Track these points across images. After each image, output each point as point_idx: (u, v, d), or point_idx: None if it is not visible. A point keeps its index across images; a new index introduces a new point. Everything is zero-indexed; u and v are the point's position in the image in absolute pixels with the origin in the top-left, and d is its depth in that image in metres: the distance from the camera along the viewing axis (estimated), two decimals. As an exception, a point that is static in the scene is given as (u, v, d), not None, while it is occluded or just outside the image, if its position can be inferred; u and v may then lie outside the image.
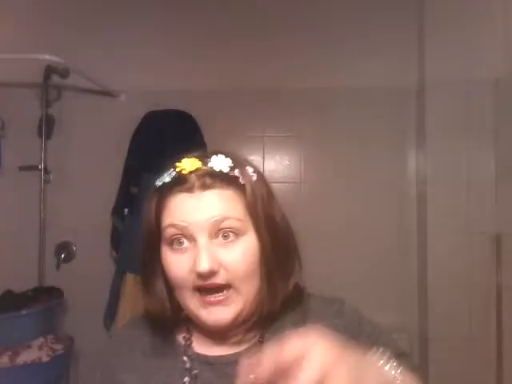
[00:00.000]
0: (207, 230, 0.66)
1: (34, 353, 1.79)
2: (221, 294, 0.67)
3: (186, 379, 0.70)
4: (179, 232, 0.67)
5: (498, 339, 1.90)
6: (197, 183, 0.68)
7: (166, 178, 0.71)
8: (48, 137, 2.22)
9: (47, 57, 1.88)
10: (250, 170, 0.72)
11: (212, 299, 0.66)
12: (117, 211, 2.10)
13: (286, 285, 0.72)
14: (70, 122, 2.24)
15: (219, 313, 0.67)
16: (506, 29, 1.90)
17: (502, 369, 1.86)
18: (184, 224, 0.67)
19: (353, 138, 2.18)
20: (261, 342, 0.73)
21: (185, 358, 0.72)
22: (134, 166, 2.10)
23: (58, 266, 2.20)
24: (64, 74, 2.09)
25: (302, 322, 0.73)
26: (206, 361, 0.72)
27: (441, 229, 1.98)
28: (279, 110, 2.20)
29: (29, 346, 1.79)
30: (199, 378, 0.70)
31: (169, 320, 0.73)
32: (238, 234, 0.68)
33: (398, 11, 2.17)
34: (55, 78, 2.16)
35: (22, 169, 2.19)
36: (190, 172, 0.69)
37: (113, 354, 0.76)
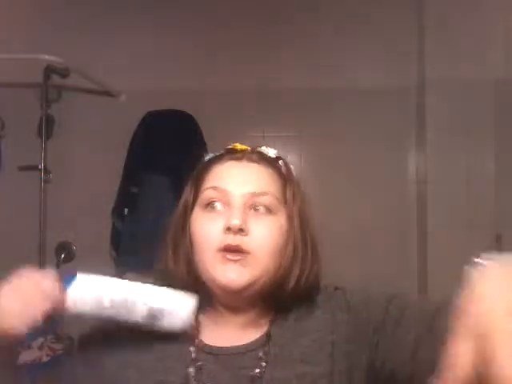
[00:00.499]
0: (244, 199, 0.70)
1: (34, 353, 1.79)
2: (241, 256, 0.69)
3: (191, 369, 0.70)
4: (218, 195, 0.71)
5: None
6: (245, 156, 0.75)
7: (217, 153, 0.77)
8: (48, 137, 2.22)
9: (47, 57, 1.88)
10: (292, 167, 0.79)
11: (231, 257, 0.68)
12: (117, 211, 2.10)
13: (302, 275, 0.74)
14: (70, 122, 2.24)
15: (235, 272, 0.68)
16: (505, 29, 1.90)
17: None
18: (225, 188, 0.71)
19: (353, 138, 2.18)
20: (267, 335, 0.73)
21: (191, 348, 0.72)
22: (134, 165, 2.10)
23: (57, 266, 2.20)
24: (64, 73, 2.08)
25: (307, 316, 0.74)
26: (212, 351, 0.72)
27: (441, 229, 1.98)
28: (279, 110, 2.20)
29: (29, 346, 1.79)
30: (204, 369, 0.70)
31: (191, 285, 0.74)
32: (270, 210, 0.71)
33: (398, 11, 2.17)
34: (55, 78, 2.15)
35: (21, 169, 2.18)
36: (238, 150, 0.76)
37: (116, 330, 0.75)
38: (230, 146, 0.77)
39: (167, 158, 2.00)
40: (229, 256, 0.68)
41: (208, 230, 0.70)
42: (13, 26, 2.23)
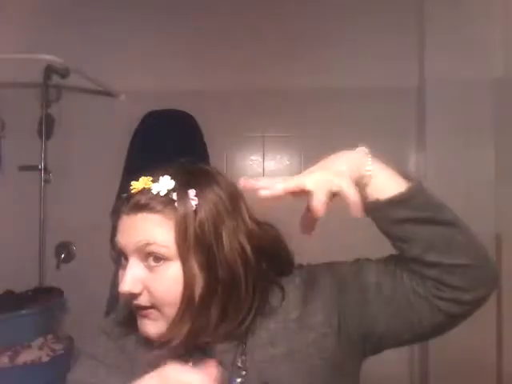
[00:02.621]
0: (136, 252, 0.69)
1: (34, 353, 1.79)
2: (148, 310, 0.69)
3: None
4: (120, 251, 0.71)
5: (498, 339, 1.90)
6: (134, 204, 0.70)
7: (122, 197, 0.74)
8: (48, 137, 2.22)
9: (47, 57, 1.88)
10: (191, 193, 0.69)
11: (142, 312, 0.70)
12: (117, 211, 2.10)
13: (233, 309, 0.71)
14: (70, 122, 2.24)
15: (149, 326, 0.70)
16: (506, 29, 1.90)
17: (502, 369, 1.86)
18: (119, 245, 0.71)
19: (353, 138, 2.14)
20: (246, 331, 0.73)
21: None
22: (134, 166, 2.10)
23: (57, 266, 2.20)
24: (64, 73, 2.08)
25: (279, 300, 0.75)
26: (203, 349, 0.72)
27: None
28: (279, 110, 2.20)
29: (29, 346, 1.79)
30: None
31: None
32: (165, 259, 0.68)
33: (398, 11, 2.17)
34: (55, 78, 2.15)
35: (21, 169, 2.19)
36: (136, 192, 0.71)
37: (118, 325, 0.78)
38: (131, 188, 0.72)
39: (167, 158, 1.99)
40: (140, 312, 0.70)
41: (120, 286, 0.71)
42: (13, 26, 2.23)
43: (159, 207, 0.68)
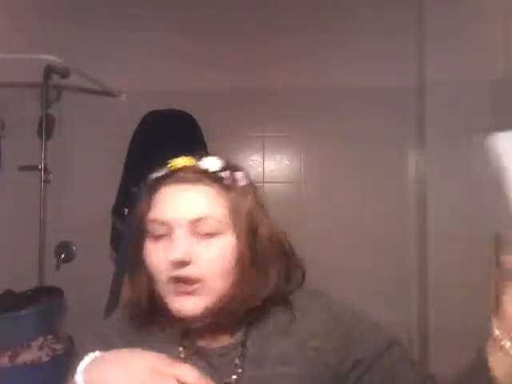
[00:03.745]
0: (185, 225, 0.69)
1: (34, 353, 1.79)
2: (192, 285, 0.68)
3: None
4: (160, 227, 0.70)
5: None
6: (182, 178, 0.71)
7: (158, 173, 0.74)
8: (48, 137, 2.22)
9: (47, 57, 1.88)
10: (239, 174, 0.74)
11: (183, 289, 0.68)
12: (117, 211, 2.10)
13: (266, 286, 0.73)
14: (70, 122, 2.24)
15: (189, 303, 0.68)
16: (505, 29, 1.90)
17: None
18: (164, 218, 0.69)
19: (353, 138, 2.17)
20: (246, 336, 0.74)
21: (180, 349, 0.74)
22: (134, 165, 2.10)
23: (57, 266, 2.20)
24: (64, 73, 2.08)
25: (286, 318, 0.74)
26: (200, 352, 0.74)
27: (441, 229, 1.98)
28: (279, 110, 2.20)
29: (29, 346, 1.79)
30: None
31: (145, 311, 0.75)
32: (215, 232, 0.69)
33: (398, 11, 2.17)
34: (55, 78, 2.15)
35: (21, 169, 2.19)
36: (179, 168, 0.72)
37: (112, 329, 0.79)
38: (168, 166, 0.74)
39: (167, 158, 1.99)
40: (181, 288, 0.68)
41: (156, 262, 0.70)
42: (13, 26, 2.23)
43: (210, 183, 0.71)
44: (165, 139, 2.05)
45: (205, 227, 0.69)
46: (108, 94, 2.21)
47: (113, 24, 2.24)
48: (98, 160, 2.22)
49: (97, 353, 0.66)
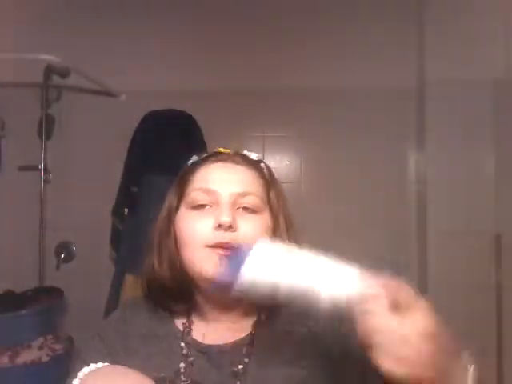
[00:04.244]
0: (231, 198, 0.72)
1: (34, 353, 1.79)
2: (232, 251, 0.69)
3: (182, 365, 0.72)
4: (206, 196, 0.73)
5: (498, 339, 1.90)
6: (229, 158, 0.78)
7: (202, 156, 0.80)
8: (48, 137, 2.22)
9: (47, 57, 1.88)
10: (272, 170, 0.82)
11: (221, 252, 0.70)
12: (117, 211, 2.10)
13: None
14: (70, 121, 2.24)
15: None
16: (505, 29, 1.90)
17: (502, 369, 1.86)
18: (212, 188, 0.73)
19: (353, 138, 2.17)
20: (253, 334, 0.74)
21: (182, 344, 0.74)
22: (134, 165, 2.09)
23: (57, 266, 2.20)
24: (64, 73, 2.08)
25: (296, 321, 0.74)
26: (201, 349, 0.73)
27: (441, 229, 1.98)
28: (279, 110, 2.20)
29: (29, 346, 1.79)
30: (194, 365, 0.72)
31: (175, 288, 0.75)
32: (255, 210, 0.73)
33: (398, 11, 2.17)
34: (55, 78, 2.15)
35: (21, 169, 2.19)
36: (222, 152, 0.79)
37: (112, 330, 0.78)
38: (215, 150, 0.80)
39: (167, 158, 1.99)
40: (220, 251, 0.70)
41: (198, 227, 0.72)
42: (13, 26, 2.23)
43: (253, 166, 0.78)
44: (165, 139, 2.04)
45: (250, 202, 0.73)
46: (108, 94, 2.21)
47: (113, 24, 2.24)
48: (98, 160, 2.22)
49: (97, 365, 0.67)
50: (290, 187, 2.20)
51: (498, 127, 1.95)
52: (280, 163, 2.22)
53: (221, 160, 0.77)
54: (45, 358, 1.79)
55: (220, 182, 0.74)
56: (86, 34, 2.21)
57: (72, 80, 2.12)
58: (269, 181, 0.79)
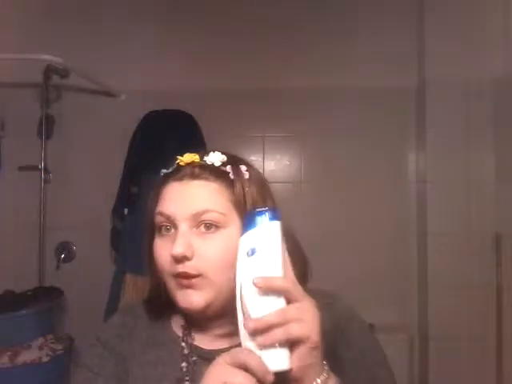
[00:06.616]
0: (189, 219, 0.69)
1: (34, 353, 1.79)
2: (192, 280, 0.69)
3: (184, 364, 0.72)
4: (165, 220, 0.71)
5: (497, 339, 1.90)
6: (187, 173, 0.72)
7: (167, 169, 0.76)
8: (48, 137, 2.22)
9: (47, 57, 1.88)
10: (243, 168, 0.74)
11: (185, 282, 0.69)
12: (117, 211, 2.10)
13: None
14: (70, 122, 2.24)
15: (192, 296, 0.69)
16: (505, 29, 1.90)
17: (502, 368, 1.86)
18: (168, 212, 0.70)
19: (353, 138, 2.18)
20: None
21: (183, 344, 0.74)
22: (134, 165, 2.10)
23: (57, 266, 2.20)
24: (64, 73, 2.08)
25: None
26: (203, 354, 0.73)
27: (441, 229, 1.98)
28: (279, 110, 2.20)
29: (29, 346, 1.79)
30: (196, 371, 0.71)
31: (163, 305, 0.76)
32: (218, 226, 0.69)
33: (398, 11, 2.17)
34: (55, 78, 2.15)
35: (21, 169, 2.19)
36: (186, 164, 0.73)
37: (113, 335, 0.78)
38: (176, 162, 0.75)
39: (167, 158, 1.99)
40: (183, 282, 0.69)
41: (161, 256, 0.71)
42: (13, 26, 2.23)
43: (214, 177, 0.72)
44: (165, 139, 2.05)
45: (207, 220, 0.69)
46: (108, 93, 2.21)
47: (113, 24, 2.24)
48: (98, 160, 2.22)
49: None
50: (290, 187, 2.20)
51: (498, 127, 1.95)
52: (280, 163, 2.23)
53: (180, 177, 0.72)
54: (45, 358, 1.79)
55: (175, 204, 0.70)
56: (86, 34, 2.22)
57: (72, 80, 2.12)
58: (239, 184, 0.72)
